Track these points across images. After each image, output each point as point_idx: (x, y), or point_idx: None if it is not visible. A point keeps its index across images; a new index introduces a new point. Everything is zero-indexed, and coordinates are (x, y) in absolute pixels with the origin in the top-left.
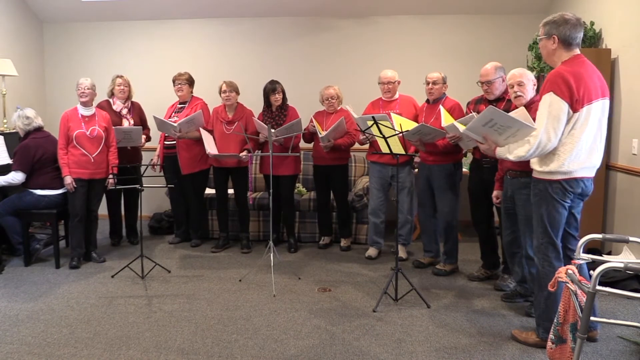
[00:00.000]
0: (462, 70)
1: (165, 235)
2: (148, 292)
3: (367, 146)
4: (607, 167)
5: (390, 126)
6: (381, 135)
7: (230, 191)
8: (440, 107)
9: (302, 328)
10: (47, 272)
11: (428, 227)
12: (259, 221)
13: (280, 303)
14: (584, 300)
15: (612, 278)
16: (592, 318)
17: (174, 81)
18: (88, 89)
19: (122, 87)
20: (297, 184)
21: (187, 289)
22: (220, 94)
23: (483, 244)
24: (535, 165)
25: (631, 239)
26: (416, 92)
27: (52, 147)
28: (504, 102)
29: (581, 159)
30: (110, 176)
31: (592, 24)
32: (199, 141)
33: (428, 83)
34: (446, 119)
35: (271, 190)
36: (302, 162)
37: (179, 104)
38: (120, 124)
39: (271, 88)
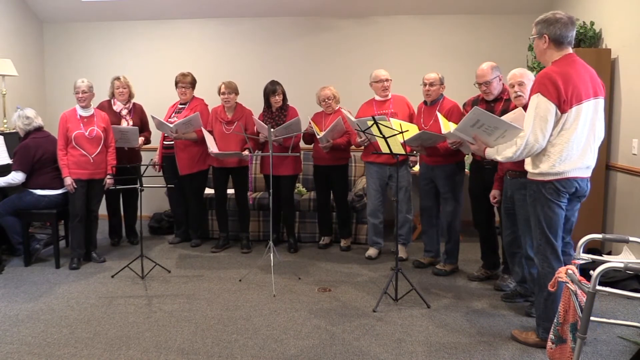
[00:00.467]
0: (462, 71)
1: (165, 235)
2: (148, 292)
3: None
4: (607, 167)
5: (390, 126)
6: (381, 136)
7: (230, 191)
8: (437, 113)
9: (302, 328)
10: (47, 272)
11: (430, 227)
12: (259, 221)
13: (280, 303)
14: (584, 300)
15: (612, 278)
16: (592, 318)
17: (177, 83)
18: (85, 92)
19: (120, 90)
20: (297, 184)
21: (187, 289)
22: (219, 95)
23: (483, 244)
24: (528, 166)
25: (631, 239)
26: (416, 91)
27: (52, 147)
28: (502, 102)
29: (573, 159)
30: (109, 176)
31: (592, 24)
32: (197, 142)
33: (425, 84)
34: (445, 126)
35: (271, 190)
36: (302, 162)
37: (180, 104)
38: (119, 125)
39: (271, 89)
